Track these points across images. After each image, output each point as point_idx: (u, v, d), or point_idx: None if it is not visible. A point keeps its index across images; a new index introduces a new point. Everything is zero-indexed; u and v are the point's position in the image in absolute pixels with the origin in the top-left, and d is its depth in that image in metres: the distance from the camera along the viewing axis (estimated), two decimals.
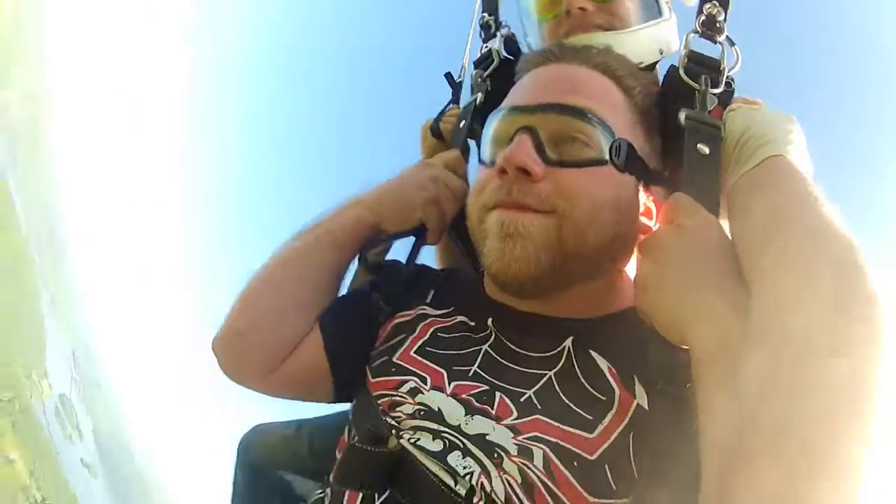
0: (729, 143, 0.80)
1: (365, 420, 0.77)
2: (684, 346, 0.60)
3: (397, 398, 0.74)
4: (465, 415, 0.68)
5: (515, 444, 0.64)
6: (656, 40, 0.98)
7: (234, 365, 0.87)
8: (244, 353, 0.85)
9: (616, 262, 0.77)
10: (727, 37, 0.89)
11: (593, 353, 0.70)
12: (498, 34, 1.20)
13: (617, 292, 0.80)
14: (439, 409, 0.70)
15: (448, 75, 1.31)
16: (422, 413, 0.70)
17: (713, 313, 0.57)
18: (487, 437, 0.65)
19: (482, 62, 1.19)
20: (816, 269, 0.53)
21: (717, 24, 0.89)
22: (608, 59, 0.82)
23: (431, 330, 0.81)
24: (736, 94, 0.88)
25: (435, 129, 1.19)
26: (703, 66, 0.87)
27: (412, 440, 0.69)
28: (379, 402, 0.75)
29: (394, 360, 0.78)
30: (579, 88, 0.77)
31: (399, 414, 0.72)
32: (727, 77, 0.87)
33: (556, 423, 0.64)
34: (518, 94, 0.82)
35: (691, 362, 0.57)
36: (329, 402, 0.91)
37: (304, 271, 0.87)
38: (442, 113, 1.22)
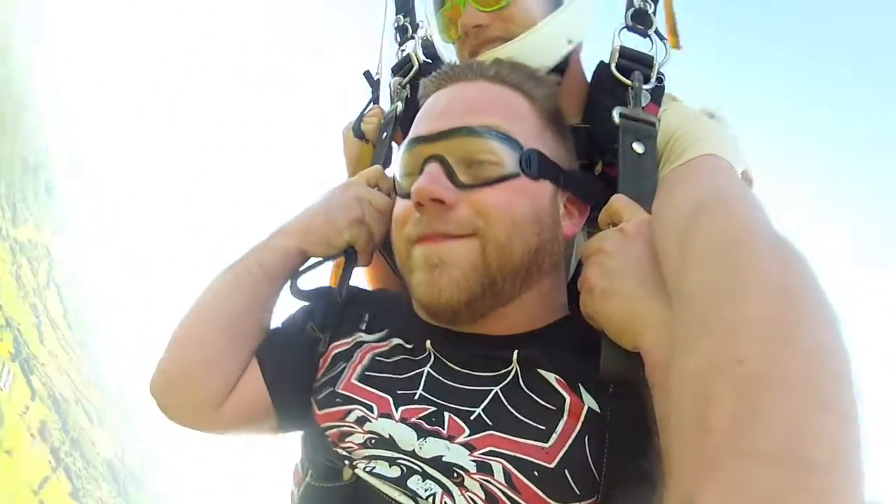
0: (661, 139, 0.80)
1: (317, 454, 0.75)
2: (635, 350, 0.60)
3: (345, 428, 0.71)
4: (418, 439, 0.67)
5: (473, 461, 0.63)
6: (562, 31, 0.94)
7: (174, 410, 0.82)
8: (182, 397, 0.81)
9: (544, 272, 0.76)
10: (656, 30, 0.90)
11: (538, 366, 0.69)
12: (415, 37, 1.16)
13: (550, 301, 0.79)
14: (390, 436, 0.68)
15: (366, 74, 1.27)
16: (373, 441, 0.69)
17: (664, 319, 0.58)
18: (444, 459, 0.64)
19: (400, 68, 1.14)
20: (742, 256, 0.49)
21: (648, 18, 0.89)
22: (502, 69, 0.81)
23: (370, 355, 0.79)
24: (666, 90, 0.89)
25: (357, 130, 1.14)
26: (634, 62, 0.87)
27: (368, 469, 0.67)
28: (327, 433, 0.73)
29: (337, 390, 0.76)
30: (479, 106, 0.76)
31: (350, 444, 0.70)
32: (658, 72, 0.87)
33: (510, 437, 0.64)
34: (421, 122, 0.80)
35: (646, 367, 0.58)
36: (276, 435, 0.87)
37: (238, 305, 0.83)
38: (362, 114, 1.17)
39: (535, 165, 0.73)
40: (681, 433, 0.43)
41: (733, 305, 0.44)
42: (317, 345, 0.83)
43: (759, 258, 0.47)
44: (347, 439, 0.70)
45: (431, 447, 0.65)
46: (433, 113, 0.79)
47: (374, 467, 0.67)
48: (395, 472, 0.66)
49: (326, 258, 0.90)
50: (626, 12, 0.90)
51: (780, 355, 0.39)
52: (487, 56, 0.89)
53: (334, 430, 0.72)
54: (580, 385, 0.67)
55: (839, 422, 0.37)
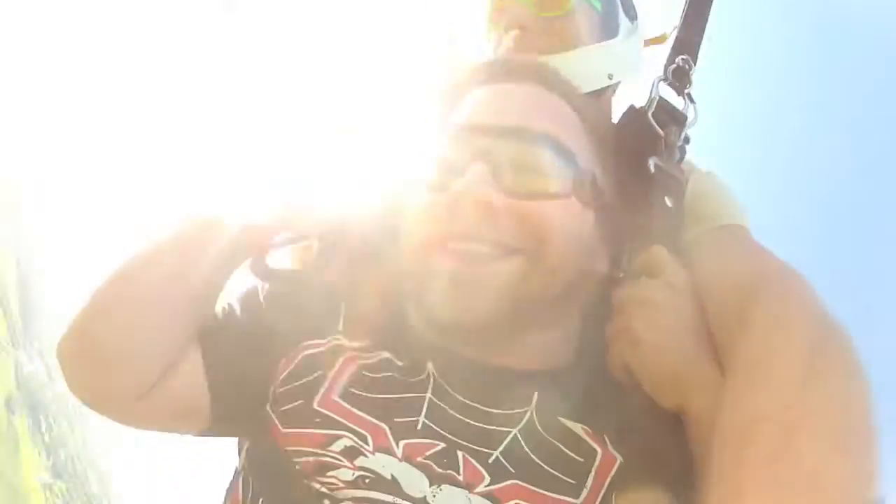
0: (687, 199, 0.80)
1: (279, 483, 0.60)
2: (675, 409, 0.59)
3: (327, 460, 0.58)
4: (431, 485, 0.57)
5: None
6: (607, 63, 0.93)
7: (83, 385, 0.64)
8: (98, 371, 0.63)
9: (578, 308, 0.72)
10: (689, 94, 0.91)
11: (561, 414, 0.64)
12: None
13: (570, 342, 0.74)
14: (393, 477, 0.57)
15: None
16: (367, 481, 0.57)
17: (718, 383, 0.56)
18: None
19: None
20: (794, 331, 0.54)
21: (686, 77, 0.89)
22: (566, 84, 0.76)
23: (354, 367, 0.66)
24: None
25: None
26: (669, 116, 0.86)
27: None
28: (296, 460, 0.59)
29: (315, 406, 0.62)
30: (542, 112, 0.70)
31: (333, 479, 0.57)
32: (686, 133, 0.88)
33: (538, 490, 0.57)
34: (471, 111, 0.72)
35: (695, 431, 0.57)
36: (196, 436, 0.71)
37: (185, 270, 0.66)
38: None
39: (587, 190, 0.67)
40: (721, 473, 0.46)
41: (783, 370, 0.49)
42: (279, 339, 0.69)
43: (808, 334, 0.53)
44: (329, 474, 0.58)
45: (448, 497, 0.56)
46: (488, 104, 0.71)
47: None
48: None
49: (301, 237, 0.76)
50: (667, 67, 0.90)
51: (816, 410, 0.46)
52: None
53: (309, 458, 0.59)
54: (605, 437, 0.63)
55: (856, 466, 0.44)
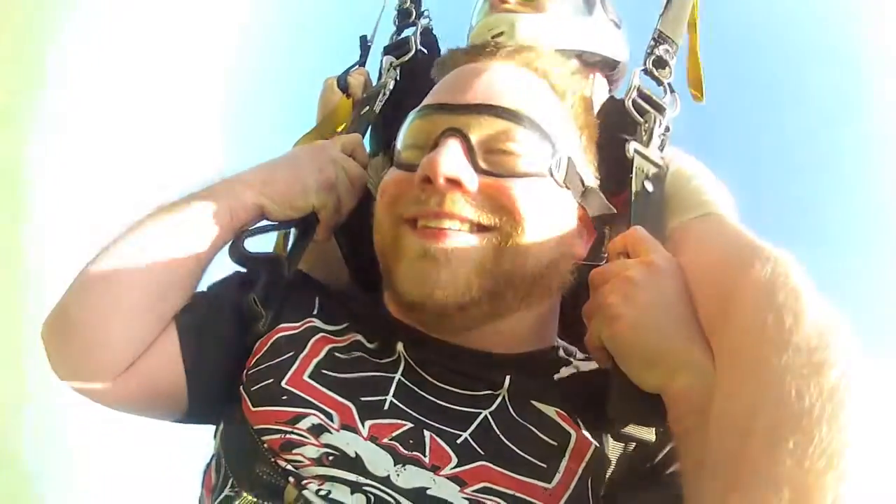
0: (668, 184, 0.80)
1: (245, 461, 0.59)
2: (656, 390, 0.56)
3: (294, 437, 0.58)
4: (396, 464, 0.56)
5: (465, 499, 0.54)
6: (586, 35, 0.98)
7: (66, 365, 0.65)
8: (79, 350, 0.63)
9: (551, 291, 0.70)
10: (669, 83, 0.91)
11: (533, 397, 0.63)
12: (417, 24, 1.11)
13: (545, 326, 0.73)
14: (357, 454, 0.56)
15: (363, 38, 1.23)
16: (331, 458, 0.56)
17: (699, 363, 0.54)
18: (429, 492, 0.54)
19: (395, 49, 1.07)
20: (785, 315, 0.51)
21: (667, 68, 0.90)
22: (549, 62, 0.75)
23: (327, 349, 0.66)
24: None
25: (342, 82, 1.09)
26: (649, 104, 0.87)
27: (321, 492, 0.54)
28: (264, 438, 0.59)
29: (283, 384, 0.62)
30: (516, 90, 0.69)
31: (298, 457, 0.57)
32: (667, 122, 0.88)
33: (507, 472, 0.56)
34: (441, 91, 0.72)
35: (675, 411, 0.54)
36: (178, 422, 0.71)
37: (170, 256, 0.67)
38: (349, 69, 1.13)
39: (563, 171, 0.67)
40: (715, 467, 0.45)
41: (776, 358, 0.46)
42: (256, 322, 0.69)
43: (800, 318, 0.49)
44: (295, 451, 0.57)
45: (412, 476, 0.55)
46: (460, 83, 0.70)
47: (329, 491, 0.54)
48: (358, 502, 0.54)
49: (282, 223, 0.77)
50: (647, 58, 0.91)
51: (813, 401, 0.43)
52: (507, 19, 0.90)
53: (276, 435, 0.58)
54: (579, 420, 0.61)
55: (855, 459, 0.40)
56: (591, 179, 0.76)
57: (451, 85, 0.71)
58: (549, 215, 0.66)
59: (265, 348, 0.67)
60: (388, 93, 0.98)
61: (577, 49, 0.97)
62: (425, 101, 0.71)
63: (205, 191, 0.72)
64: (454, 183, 0.61)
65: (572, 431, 0.60)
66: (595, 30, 1.01)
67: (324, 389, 0.61)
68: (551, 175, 0.66)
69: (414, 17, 1.10)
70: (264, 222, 0.76)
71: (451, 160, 0.61)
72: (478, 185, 0.62)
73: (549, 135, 0.67)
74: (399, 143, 0.71)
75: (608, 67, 1.06)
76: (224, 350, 0.68)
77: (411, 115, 0.70)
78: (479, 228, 0.63)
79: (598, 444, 0.60)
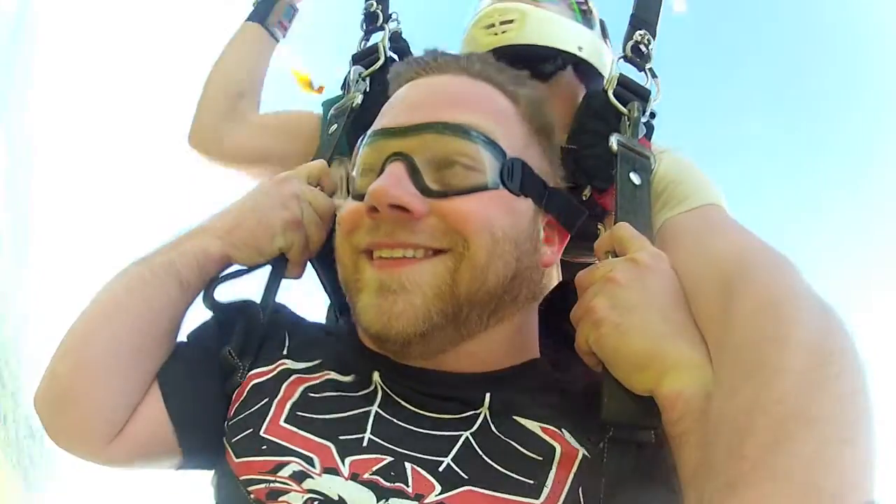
0: (658, 179, 0.79)
1: None
2: (647, 393, 0.54)
3: (277, 485, 0.57)
4: (378, 500, 0.54)
5: None
6: (577, 35, 0.96)
7: (61, 434, 0.66)
8: (76, 416, 0.64)
9: (519, 304, 0.67)
10: (651, 68, 0.90)
11: (515, 412, 0.61)
12: (385, 27, 1.05)
13: (522, 339, 0.70)
14: (340, 497, 0.55)
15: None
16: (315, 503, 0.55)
17: (691, 363, 0.53)
18: None
19: (363, 58, 1.03)
20: (785, 315, 0.50)
21: (646, 53, 0.89)
22: (490, 67, 0.72)
23: (300, 390, 0.65)
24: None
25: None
26: (632, 93, 0.84)
27: None
28: (250, 488, 0.58)
29: (261, 433, 0.61)
30: (459, 102, 0.66)
31: None
32: (651, 109, 0.86)
33: (493, 493, 0.54)
34: (388, 114, 0.69)
35: (670, 413, 0.52)
36: (176, 470, 0.72)
37: (143, 314, 0.67)
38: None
39: (517, 178, 0.64)
40: (714, 466, 0.44)
41: (777, 356, 0.46)
42: (233, 374, 0.68)
43: (800, 317, 0.49)
44: (281, 499, 0.56)
45: None
46: (404, 104, 0.69)
47: None
48: None
49: (252, 267, 0.76)
50: (625, 44, 0.89)
51: (812, 398, 0.43)
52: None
53: (261, 485, 0.57)
54: (563, 430, 0.59)
55: (854, 456, 0.41)
56: (554, 181, 0.73)
57: (395, 106, 0.70)
58: (505, 228, 0.62)
59: (242, 397, 0.67)
60: (356, 108, 0.95)
61: (578, 51, 0.95)
62: (373, 126, 0.69)
63: (173, 243, 0.73)
64: (400, 209, 0.59)
65: (556, 444, 0.58)
66: (595, 41, 1.00)
67: (302, 433, 0.60)
68: (504, 184, 0.63)
69: (381, 20, 1.06)
70: (235, 267, 0.76)
71: (393, 186, 0.59)
72: (428, 207, 0.60)
73: (498, 142, 0.64)
74: (354, 171, 0.69)
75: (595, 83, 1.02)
76: (209, 403, 0.68)
77: (362, 141, 0.69)
78: (435, 252, 0.61)
79: (587, 453, 0.58)
